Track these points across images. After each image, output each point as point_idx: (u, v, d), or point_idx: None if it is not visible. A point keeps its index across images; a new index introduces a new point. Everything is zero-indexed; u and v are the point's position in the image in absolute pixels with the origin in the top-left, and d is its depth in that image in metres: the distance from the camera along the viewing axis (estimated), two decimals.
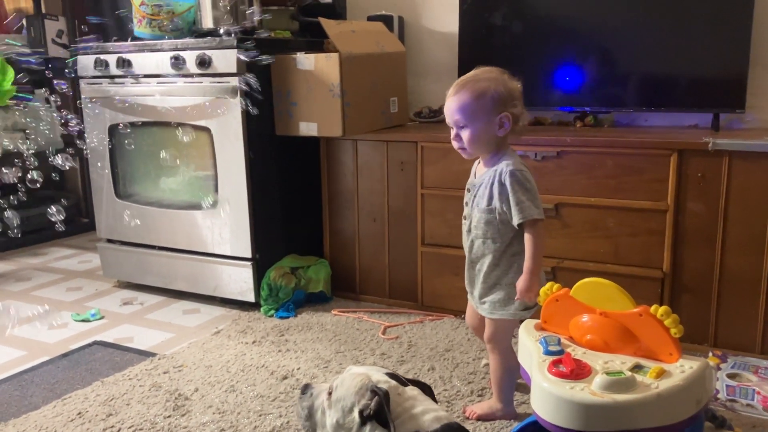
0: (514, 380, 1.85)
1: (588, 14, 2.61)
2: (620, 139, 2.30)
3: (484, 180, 1.75)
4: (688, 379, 1.29)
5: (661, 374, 1.30)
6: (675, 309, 1.78)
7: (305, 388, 1.59)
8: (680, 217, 2.21)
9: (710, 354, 2.17)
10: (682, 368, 1.32)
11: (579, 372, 1.31)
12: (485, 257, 1.78)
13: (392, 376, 1.47)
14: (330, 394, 1.47)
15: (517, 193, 1.69)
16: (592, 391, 1.26)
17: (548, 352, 1.41)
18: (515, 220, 1.69)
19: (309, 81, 2.61)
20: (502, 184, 1.70)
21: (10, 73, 3.50)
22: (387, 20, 2.99)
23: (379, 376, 1.44)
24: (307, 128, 2.68)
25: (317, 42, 2.80)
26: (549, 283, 1.55)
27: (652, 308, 1.37)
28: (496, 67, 1.76)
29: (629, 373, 1.29)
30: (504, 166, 1.71)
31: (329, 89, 2.58)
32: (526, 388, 1.68)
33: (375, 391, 1.37)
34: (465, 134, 1.73)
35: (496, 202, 1.72)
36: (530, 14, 2.71)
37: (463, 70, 2.78)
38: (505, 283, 1.77)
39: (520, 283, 1.71)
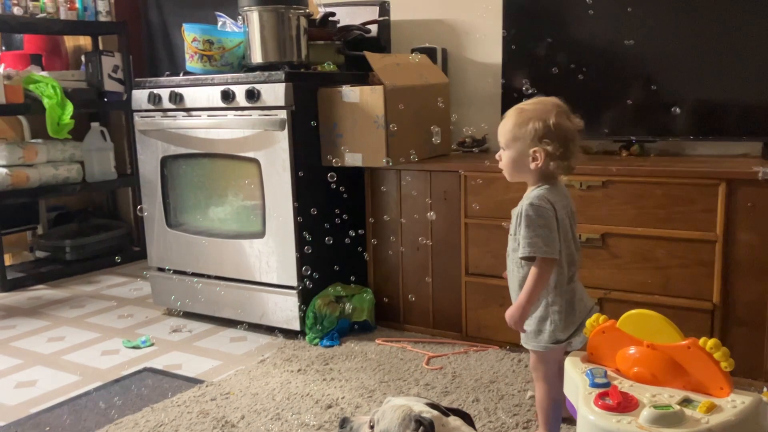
0: (560, 411, 1.83)
1: (634, 42, 2.60)
2: (667, 169, 2.27)
3: (518, 210, 1.77)
4: (740, 415, 1.27)
5: (712, 409, 1.27)
6: (727, 342, 1.74)
7: (344, 422, 1.57)
8: (730, 248, 2.16)
9: (765, 389, 2.10)
10: (734, 403, 1.30)
11: (626, 405, 1.30)
12: (515, 286, 1.79)
13: (433, 406, 1.46)
14: (372, 427, 1.47)
15: (528, 227, 1.68)
16: (639, 424, 1.24)
17: (594, 385, 1.40)
18: (519, 253, 1.70)
19: (354, 113, 2.66)
20: (520, 216, 1.71)
21: (69, 107, 3.66)
22: (431, 52, 3.03)
23: (420, 407, 1.44)
24: (353, 159, 2.72)
25: (362, 75, 2.85)
26: (595, 315, 1.54)
27: (701, 341, 1.35)
28: (557, 101, 1.75)
29: (678, 407, 1.27)
30: (526, 199, 1.72)
31: (374, 121, 2.62)
32: (572, 421, 1.66)
33: (420, 420, 1.37)
34: (504, 156, 1.78)
35: (518, 233, 1.73)
36: (574, 43, 2.71)
37: (506, 100, 2.82)
38: (534, 316, 1.76)
39: (508, 311, 1.73)
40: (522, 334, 1.81)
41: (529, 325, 1.77)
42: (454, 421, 1.43)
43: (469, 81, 3.13)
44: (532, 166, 1.72)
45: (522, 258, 1.71)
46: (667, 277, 2.26)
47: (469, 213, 2.58)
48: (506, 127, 1.75)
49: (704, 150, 2.66)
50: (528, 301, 1.70)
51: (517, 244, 1.74)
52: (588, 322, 1.53)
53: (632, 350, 1.45)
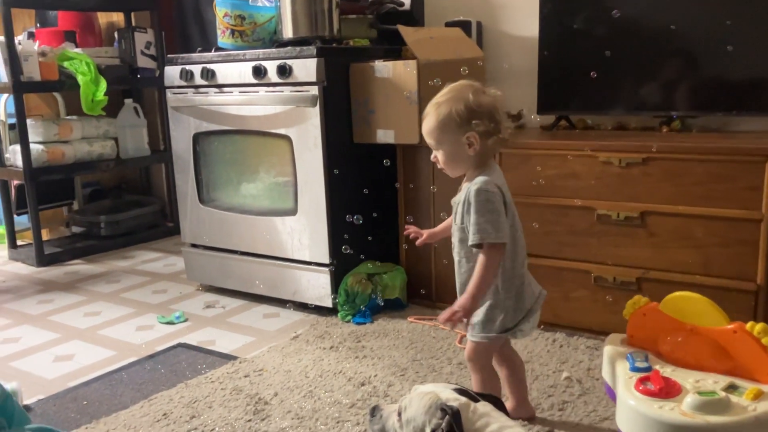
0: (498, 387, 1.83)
1: (674, 14, 2.51)
2: (710, 145, 2.20)
3: (461, 197, 1.72)
4: None
5: (759, 396, 1.23)
6: None
7: (374, 411, 1.57)
8: None
9: None
10: None
11: (668, 390, 1.26)
12: (462, 276, 1.75)
13: (461, 391, 1.43)
14: (400, 415, 1.45)
15: (477, 213, 1.63)
16: (682, 411, 1.21)
17: (635, 369, 1.36)
18: (469, 241, 1.64)
19: (387, 88, 2.62)
20: (469, 203, 1.66)
21: (103, 83, 3.68)
22: (465, 26, 2.97)
23: (447, 394, 1.41)
24: (385, 135, 2.69)
25: (395, 49, 2.80)
26: (636, 297, 1.50)
27: (748, 325, 1.31)
28: (466, 82, 1.71)
29: (723, 394, 1.23)
30: (473, 185, 1.66)
31: (406, 96, 2.58)
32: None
33: (444, 409, 1.35)
34: (439, 155, 1.73)
35: (465, 221, 1.68)
36: (613, 16, 2.63)
37: (543, 74, 2.75)
38: (484, 306, 1.71)
39: (458, 303, 1.63)
40: (469, 327, 1.75)
41: (478, 315, 1.71)
42: (483, 406, 1.39)
43: (504, 55, 3.06)
44: (471, 152, 1.67)
45: (472, 246, 1.65)
46: (709, 256, 2.20)
47: None
48: (430, 125, 1.70)
49: (747, 126, 2.57)
50: (479, 291, 1.63)
51: (464, 233, 1.69)
52: (628, 304, 1.50)
53: (674, 334, 1.40)
